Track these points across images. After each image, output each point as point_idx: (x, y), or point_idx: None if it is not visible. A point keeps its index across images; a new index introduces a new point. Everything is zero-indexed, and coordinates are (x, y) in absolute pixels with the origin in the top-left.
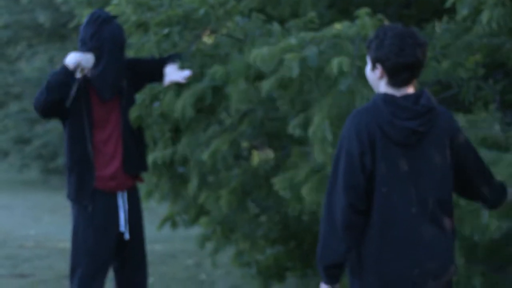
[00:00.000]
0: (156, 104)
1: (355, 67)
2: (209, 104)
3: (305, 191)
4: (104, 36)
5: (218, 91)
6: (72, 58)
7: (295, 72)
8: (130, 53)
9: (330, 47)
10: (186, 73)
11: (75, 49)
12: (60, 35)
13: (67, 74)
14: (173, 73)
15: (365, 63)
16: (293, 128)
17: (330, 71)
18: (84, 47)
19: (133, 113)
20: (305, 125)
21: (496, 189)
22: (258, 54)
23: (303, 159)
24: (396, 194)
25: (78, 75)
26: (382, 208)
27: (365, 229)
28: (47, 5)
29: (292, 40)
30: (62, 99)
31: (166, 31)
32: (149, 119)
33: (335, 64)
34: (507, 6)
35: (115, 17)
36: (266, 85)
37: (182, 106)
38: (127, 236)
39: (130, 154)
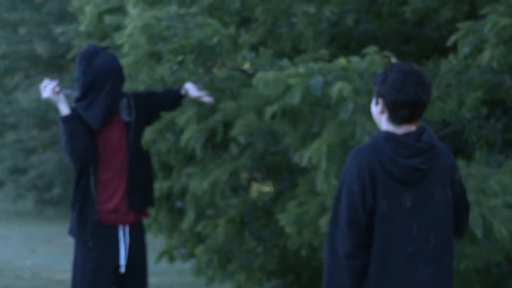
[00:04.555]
0: (169, 135)
1: (361, 100)
2: (220, 140)
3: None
4: (94, 69)
5: (229, 126)
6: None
7: (297, 98)
8: (141, 86)
9: (337, 78)
10: (209, 98)
11: (72, 80)
12: (57, 66)
13: (70, 120)
14: (196, 90)
15: (372, 99)
16: (299, 159)
17: (332, 100)
18: (78, 83)
19: (147, 136)
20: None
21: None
22: (262, 77)
23: (310, 194)
24: (396, 232)
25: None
26: (381, 245)
27: (367, 264)
28: (45, 36)
29: (300, 69)
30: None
31: (180, 58)
32: (162, 144)
33: (335, 89)
34: (508, 45)
35: (106, 48)
36: (269, 111)
37: (190, 137)
38: (122, 269)
39: (135, 189)
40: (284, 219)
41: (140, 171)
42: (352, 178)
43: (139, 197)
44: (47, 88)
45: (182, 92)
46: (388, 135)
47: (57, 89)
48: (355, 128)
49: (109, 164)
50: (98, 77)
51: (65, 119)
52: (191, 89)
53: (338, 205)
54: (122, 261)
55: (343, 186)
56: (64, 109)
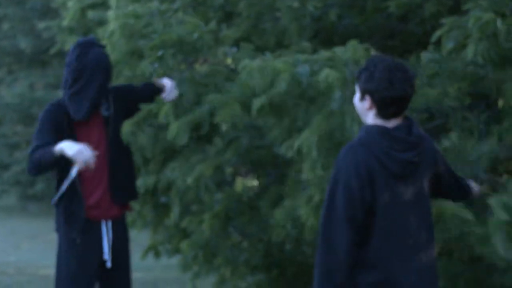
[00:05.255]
0: (149, 129)
1: (348, 90)
2: (205, 132)
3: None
4: (88, 57)
5: (214, 118)
6: (80, 156)
7: (283, 87)
8: (124, 81)
9: (323, 67)
10: (174, 94)
11: (55, 75)
12: (41, 61)
13: (58, 160)
14: (171, 93)
15: (354, 90)
16: (285, 149)
17: (320, 89)
18: (68, 68)
19: (126, 128)
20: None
21: (462, 186)
22: (247, 66)
23: (298, 188)
24: (396, 226)
25: (76, 171)
26: (381, 241)
27: (363, 260)
28: (28, 31)
29: (286, 59)
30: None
31: (160, 53)
32: (142, 138)
33: (322, 76)
34: (492, 40)
35: (102, 45)
36: (256, 103)
37: (177, 132)
38: (109, 264)
39: (118, 183)
40: (278, 215)
41: (121, 165)
42: (350, 175)
43: (122, 191)
44: (85, 155)
45: (162, 93)
46: (381, 130)
47: (92, 167)
48: (344, 118)
49: None
50: (90, 67)
51: (58, 160)
52: (168, 92)
53: (333, 202)
54: (107, 256)
55: (338, 183)
56: (67, 153)
